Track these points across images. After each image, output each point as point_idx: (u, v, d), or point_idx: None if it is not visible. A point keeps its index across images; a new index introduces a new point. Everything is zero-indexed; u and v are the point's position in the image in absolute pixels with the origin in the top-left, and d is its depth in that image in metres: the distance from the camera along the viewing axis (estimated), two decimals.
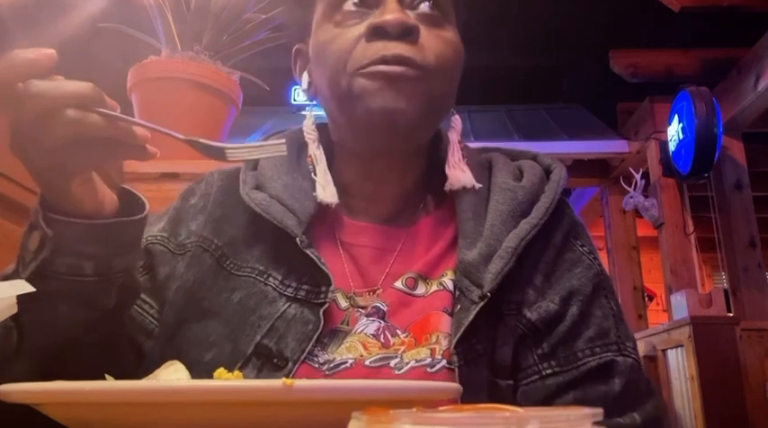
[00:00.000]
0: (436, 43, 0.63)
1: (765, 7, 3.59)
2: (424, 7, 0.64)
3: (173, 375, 0.46)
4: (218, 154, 0.53)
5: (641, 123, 4.84)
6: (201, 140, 0.53)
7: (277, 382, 0.34)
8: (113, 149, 0.51)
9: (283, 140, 0.53)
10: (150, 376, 0.46)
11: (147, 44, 1.41)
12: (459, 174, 0.67)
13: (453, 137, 0.72)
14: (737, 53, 4.09)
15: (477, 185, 0.67)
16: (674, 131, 4.26)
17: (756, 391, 3.04)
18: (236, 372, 0.47)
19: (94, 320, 0.57)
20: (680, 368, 3.27)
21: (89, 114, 0.48)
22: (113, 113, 0.49)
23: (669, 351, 3.43)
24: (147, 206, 0.58)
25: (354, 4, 0.64)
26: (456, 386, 0.42)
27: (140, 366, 0.63)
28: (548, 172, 0.70)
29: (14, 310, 0.62)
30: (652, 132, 4.59)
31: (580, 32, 4.60)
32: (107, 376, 0.51)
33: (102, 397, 0.36)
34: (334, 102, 0.66)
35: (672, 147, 4.32)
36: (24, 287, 0.63)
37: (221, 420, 0.37)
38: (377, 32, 0.61)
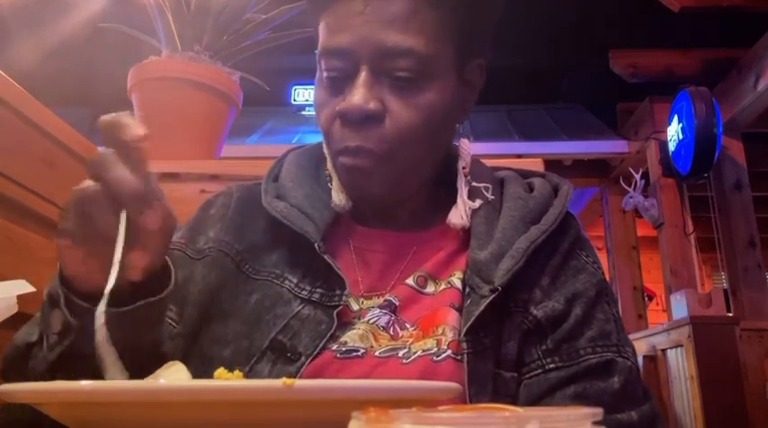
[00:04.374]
0: (407, 115, 0.63)
1: (765, 7, 3.59)
2: (399, 74, 0.63)
3: (173, 375, 0.46)
4: None
5: (641, 123, 4.84)
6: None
7: (277, 382, 0.34)
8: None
9: None
10: (150, 376, 0.46)
11: (147, 44, 1.41)
12: (455, 218, 0.69)
13: (460, 164, 0.74)
14: (737, 53, 4.10)
15: (490, 197, 0.71)
16: (674, 131, 4.26)
17: (756, 391, 3.04)
18: (236, 372, 0.47)
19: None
20: (680, 368, 3.27)
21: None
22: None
23: (669, 351, 3.43)
24: (173, 276, 0.56)
25: (331, 78, 0.65)
26: (456, 385, 0.42)
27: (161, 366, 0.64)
28: (556, 189, 0.73)
29: (14, 310, 0.62)
30: (652, 132, 4.60)
31: (580, 32, 4.59)
32: (107, 376, 0.51)
33: (102, 397, 0.36)
34: (329, 158, 0.71)
35: (671, 147, 4.32)
36: (24, 287, 0.63)
37: (221, 420, 0.37)
38: (340, 117, 0.64)
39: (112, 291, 0.50)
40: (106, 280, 0.50)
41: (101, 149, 0.48)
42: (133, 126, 0.47)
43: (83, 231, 0.49)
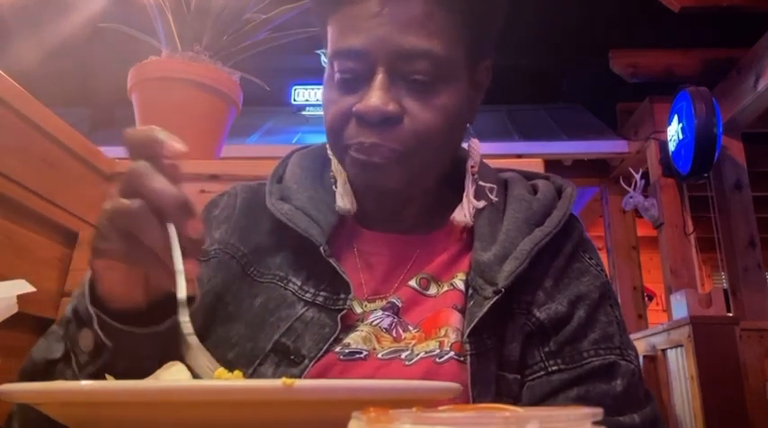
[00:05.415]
0: (423, 116, 0.63)
1: (765, 7, 3.59)
2: (416, 76, 0.62)
3: (173, 375, 0.46)
4: None
5: (641, 123, 4.84)
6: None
7: (277, 382, 0.34)
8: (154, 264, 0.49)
9: None
10: (151, 376, 0.46)
11: (147, 44, 1.41)
12: (459, 216, 0.70)
13: (468, 164, 0.74)
14: (737, 53, 4.10)
15: (494, 199, 0.71)
16: (674, 131, 4.26)
17: (756, 391, 3.04)
18: (237, 372, 0.47)
19: None
20: (680, 368, 3.27)
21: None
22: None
23: (669, 351, 3.43)
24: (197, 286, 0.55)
25: (345, 80, 0.64)
26: (455, 385, 0.42)
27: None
28: (559, 191, 0.73)
29: (14, 310, 0.62)
30: (652, 132, 4.60)
31: (580, 32, 4.60)
32: (107, 376, 0.51)
33: (102, 397, 0.36)
34: (334, 155, 0.71)
35: (671, 147, 4.32)
36: (24, 287, 0.63)
37: (221, 420, 0.37)
38: (357, 117, 0.63)
39: (140, 310, 0.52)
40: (140, 298, 0.51)
41: (138, 163, 0.46)
42: (171, 141, 0.47)
43: (127, 249, 0.47)
